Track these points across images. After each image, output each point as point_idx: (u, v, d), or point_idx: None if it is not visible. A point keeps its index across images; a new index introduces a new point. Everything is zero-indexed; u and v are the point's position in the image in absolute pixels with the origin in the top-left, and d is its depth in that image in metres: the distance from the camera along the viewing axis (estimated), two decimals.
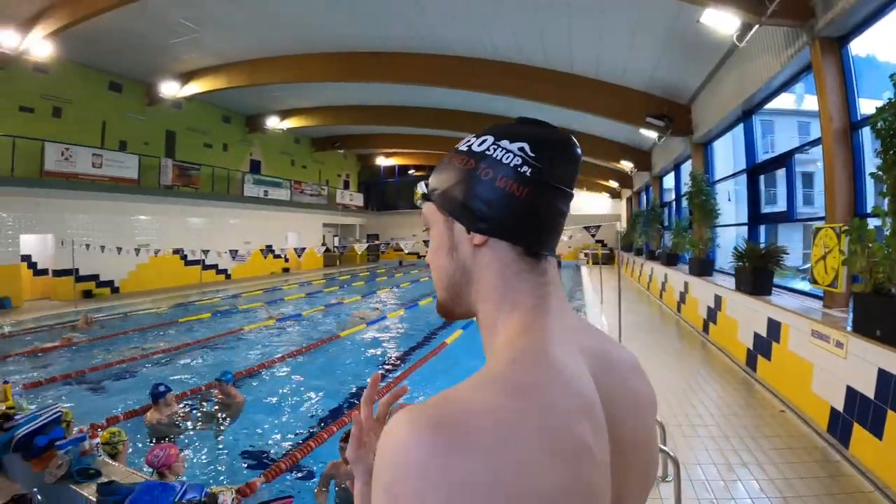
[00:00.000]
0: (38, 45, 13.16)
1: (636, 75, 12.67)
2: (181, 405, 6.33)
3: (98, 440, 3.99)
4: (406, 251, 17.12)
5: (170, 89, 17.68)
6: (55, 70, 15.95)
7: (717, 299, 9.07)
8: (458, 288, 0.82)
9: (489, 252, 0.78)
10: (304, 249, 17.37)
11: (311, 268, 27.97)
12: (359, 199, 33.74)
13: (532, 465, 0.58)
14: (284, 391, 7.51)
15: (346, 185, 34.44)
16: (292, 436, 6.02)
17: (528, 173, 0.75)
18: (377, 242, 23.51)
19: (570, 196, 0.79)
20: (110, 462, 3.93)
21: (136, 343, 10.31)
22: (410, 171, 37.25)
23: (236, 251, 16.73)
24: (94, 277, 16.79)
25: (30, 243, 15.84)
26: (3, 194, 14.21)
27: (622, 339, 8.01)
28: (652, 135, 14.20)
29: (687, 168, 14.27)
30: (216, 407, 6.43)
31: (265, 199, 24.16)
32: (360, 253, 29.56)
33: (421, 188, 0.86)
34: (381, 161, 35.03)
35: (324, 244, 23.41)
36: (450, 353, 9.12)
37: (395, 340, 10.95)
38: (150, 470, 4.04)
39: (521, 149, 0.76)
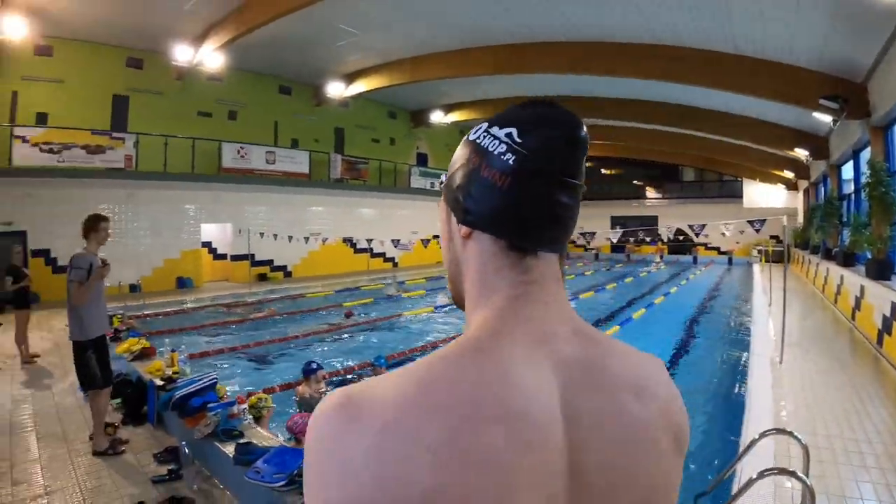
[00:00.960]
0: (210, 58, 15.41)
1: (804, 53, 11.34)
2: (328, 383, 6.54)
3: (245, 405, 4.56)
4: (575, 243, 16.85)
5: (336, 90, 19.40)
6: (229, 78, 18.35)
7: (894, 307, 7.74)
8: (455, 279, 0.80)
9: (474, 245, 0.74)
10: None
11: None
12: None
13: (409, 460, 0.56)
14: None
15: None
16: None
17: (510, 161, 0.69)
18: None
19: (570, 184, 0.70)
20: (254, 426, 4.40)
21: (302, 323, 11.18)
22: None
23: (398, 240, 17.42)
24: (269, 262, 18.77)
25: (210, 231, 18.30)
26: (186, 188, 16.67)
27: (783, 347, 7.63)
28: (826, 118, 12.64)
29: (866, 156, 12.43)
30: None
31: (431, 190, 24.78)
32: None
33: (443, 177, 0.81)
34: None
35: None
36: None
37: None
38: (290, 436, 4.40)
39: (508, 135, 0.71)
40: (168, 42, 15.15)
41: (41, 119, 14.97)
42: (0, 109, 14.46)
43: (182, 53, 15.47)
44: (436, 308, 12.92)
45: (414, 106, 24.52)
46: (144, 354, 7.13)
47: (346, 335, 10.13)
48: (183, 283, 16.38)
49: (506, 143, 0.70)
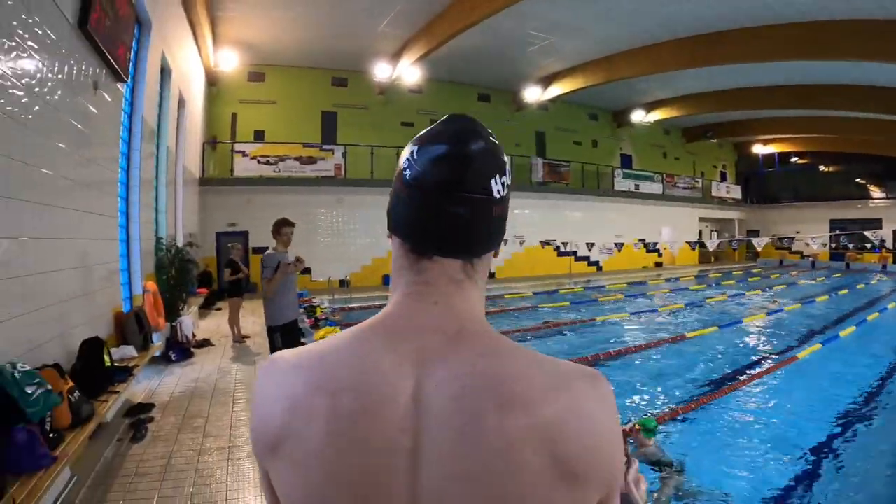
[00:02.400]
0: (408, 72, 16.91)
1: None
2: None
3: None
4: (790, 249, 15.33)
5: (533, 94, 19.88)
6: (428, 90, 19.86)
7: None
8: None
9: (392, 246, 0.83)
10: (679, 244, 16.91)
11: (685, 263, 26.53)
12: (736, 192, 30.23)
13: (276, 402, 0.72)
14: (622, 382, 7.34)
15: (723, 177, 31.42)
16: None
17: (407, 175, 0.77)
18: (745, 239, 22.36)
19: (454, 195, 0.74)
20: None
21: (496, 323, 11.07)
22: (793, 159, 32.27)
23: (592, 243, 17.16)
24: None
25: None
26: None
27: None
28: None
29: None
30: None
31: (636, 192, 24.07)
32: (735, 250, 28.21)
33: None
34: (759, 149, 30.90)
35: (699, 240, 23.08)
36: (801, 370, 7.89)
37: (744, 346, 9.86)
38: None
39: (412, 151, 0.78)
40: (368, 61, 16.91)
41: (259, 136, 17.67)
42: (223, 129, 17.43)
43: (381, 71, 17.18)
44: (632, 314, 12.58)
45: (615, 106, 23.91)
46: None
47: (537, 337, 10.26)
48: (388, 280, 17.67)
49: (409, 160, 0.78)
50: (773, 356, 8.81)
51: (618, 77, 17.09)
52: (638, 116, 23.37)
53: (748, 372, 7.81)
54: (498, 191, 0.76)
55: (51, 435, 3.35)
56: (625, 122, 24.37)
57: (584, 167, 22.89)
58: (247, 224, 16.30)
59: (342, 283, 15.87)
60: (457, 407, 0.67)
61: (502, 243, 0.84)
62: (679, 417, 6.07)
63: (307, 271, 16.99)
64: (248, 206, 16.14)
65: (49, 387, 3.53)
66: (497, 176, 0.76)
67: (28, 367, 3.48)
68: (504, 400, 0.67)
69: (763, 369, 7.86)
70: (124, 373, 5.08)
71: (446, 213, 0.74)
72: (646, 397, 6.99)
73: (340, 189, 17.52)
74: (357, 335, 0.75)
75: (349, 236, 17.89)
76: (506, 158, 0.80)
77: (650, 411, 6.34)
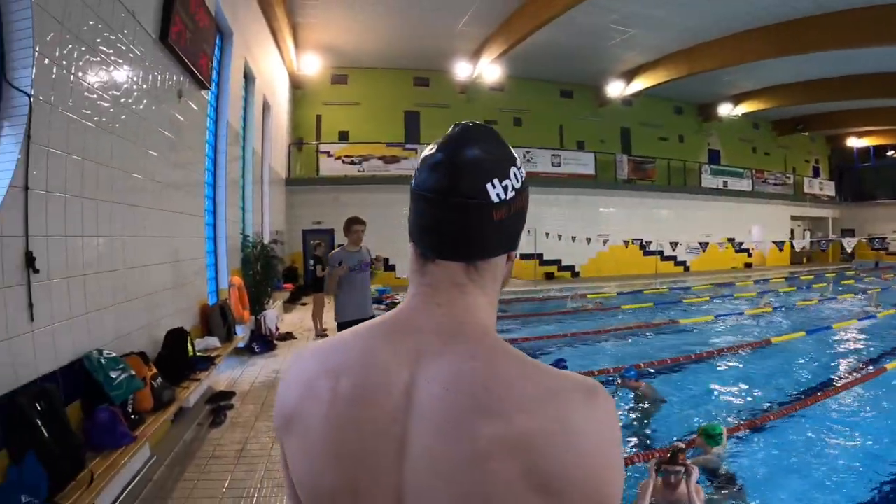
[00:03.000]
0: (488, 70, 16.94)
1: None
2: None
3: None
4: (887, 250, 14.25)
5: (615, 89, 19.44)
6: (510, 87, 19.62)
7: None
8: None
9: (410, 250, 0.84)
10: (767, 244, 16.19)
11: (776, 264, 24.96)
12: (830, 188, 27.92)
13: (291, 388, 0.80)
14: (700, 387, 7.16)
15: (816, 173, 28.91)
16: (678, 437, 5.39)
17: (413, 183, 0.81)
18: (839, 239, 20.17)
19: (437, 200, 0.77)
20: None
21: (577, 322, 11.34)
22: (890, 153, 29.39)
23: (676, 243, 17.06)
24: (557, 262, 19.26)
25: None
26: None
27: None
28: None
29: None
30: (613, 393, 6.33)
31: (724, 189, 22.92)
32: (824, 251, 26.03)
33: None
34: (853, 142, 28.42)
35: (791, 239, 21.74)
36: (892, 383, 7.11)
37: (831, 354, 9.08)
38: None
39: (419, 161, 0.82)
40: (449, 60, 17.10)
41: (343, 136, 18.26)
42: (308, 130, 18.15)
43: (462, 70, 17.38)
44: (716, 317, 12.03)
45: (701, 99, 22.78)
46: None
47: (618, 338, 10.05)
48: None
49: (416, 169, 0.82)
50: (863, 366, 8.08)
51: (701, 69, 16.36)
52: (725, 110, 22.19)
53: (833, 383, 7.23)
54: (498, 194, 0.76)
55: (132, 416, 3.65)
56: (712, 116, 23.16)
57: (671, 164, 21.97)
58: (332, 222, 16.86)
59: None
60: (440, 406, 0.69)
61: (516, 248, 0.86)
62: (753, 428, 5.69)
63: (391, 268, 17.45)
64: (335, 203, 16.73)
65: (132, 372, 3.85)
66: (495, 180, 0.76)
67: (114, 354, 3.82)
68: (484, 405, 0.68)
69: (850, 380, 7.25)
70: (206, 362, 5.42)
71: (443, 218, 0.77)
72: (721, 404, 6.63)
73: None
74: (367, 330, 0.80)
75: None
76: (515, 163, 0.81)
77: (725, 417, 6.03)
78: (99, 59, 3.86)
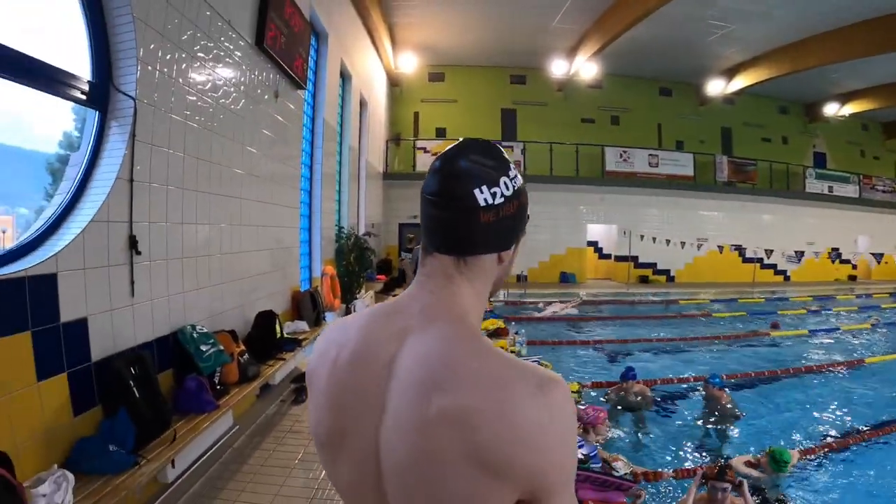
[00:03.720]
0: (585, 68, 16.58)
1: None
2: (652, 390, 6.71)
3: None
4: None
5: (716, 87, 18.60)
6: (608, 85, 19.14)
7: None
8: None
9: None
10: (880, 255, 16.02)
11: (884, 278, 22.46)
12: None
13: (309, 363, 0.98)
14: (780, 405, 6.81)
15: None
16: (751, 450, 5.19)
17: (423, 186, 0.92)
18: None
19: (434, 201, 0.89)
20: None
21: (666, 328, 11.19)
22: None
23: (771, 250, 16.35)
24: (652, 265, 18.64)
25: (597, 231, 19.04)
26: (571, 191, 17.79)
27: None
28: None
29: None
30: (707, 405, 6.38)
31: (828, 195, 21.05)
32: None
33: None
34: None
35: None
36: None
37: None
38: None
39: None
40: (545, 58, 16.90)
41: (440, 133, 18.59)
42: (406, 127, 18.65)
43: (558, 67, 17.12)
44: (811, 331, 11.19)
45: (806, 98, 20.97)
46: (498, 333, 8.19)
47: (705, 348, 9.68)
48: (566, 278, 17.63)
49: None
50: None
51: (806, 66, 15.15)
52: (831, 109, 20.24)
53: None
54: (485, 199, 0.87)
55: (218, 387, 4.04)
56: (817, 117, 21.20)
57: (773, 166, 20.36)
58: None
59: (519, 277, 16.14)
60: (409, 377, 0.81)
61: (510, 249, 0.96)
62: (824, 454, 5.30)
63: None
64: None
65: (221, 347, 4.26)
66: (484, 187, 0.87)
67: (206, 330, 4.24)
68: (439, 380, 0.79)
69: None
70: (293, 344, 5.81)
71: (439, 217, 0.89)
72: (798, 426, 6.18)
73: None
74: (374, 310, 0.94)
75: (528, 232, 17.99)
76: (507, 174, 0.91)
77: (797, 440, 5.65)
78: (198, 64, 4.28)
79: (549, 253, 17.87)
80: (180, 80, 4.02)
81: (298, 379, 6.17)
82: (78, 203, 3.19)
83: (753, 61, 16.72)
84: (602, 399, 6.53)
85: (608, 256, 19.57)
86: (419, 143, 17.85)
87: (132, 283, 3.46)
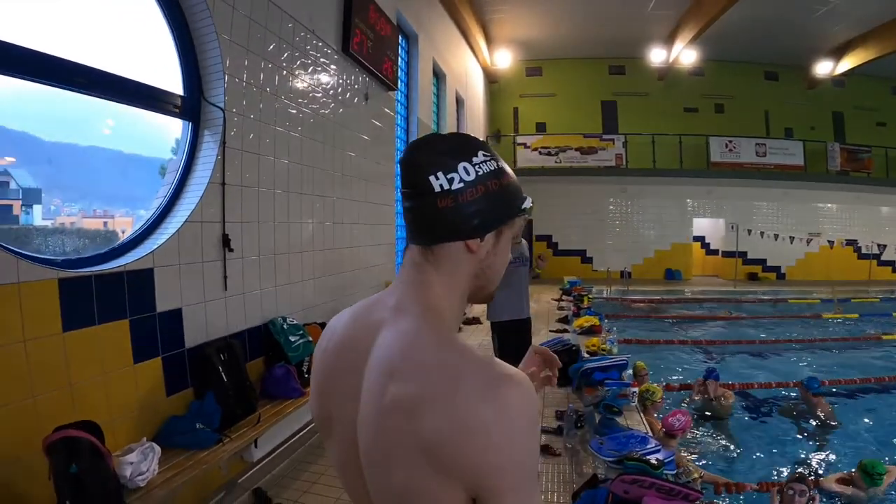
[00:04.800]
0: (684, 54, 15.84)
1: None
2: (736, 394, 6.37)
3: (636, 390, 4.85)
4: None
5: (824, 68, 17.19)
6: (710, 71, 18.07)
7: None
8: None
9: None
10: None
11: None
12: None
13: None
14: (885, 417, 6.13)
15: None
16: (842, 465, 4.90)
17: None
18: None
19: (407, 193, 0.91)
20: (637, 409, 4.65)
21: (773, 328, 10.60)
22: None
23: (884, 245, 14.69)
24: (762, 262, 17.56)
25: (703, 226, 18.31)
26: (675, 183, 17.11)
27: None
28: None
29: None
30: (795, 409, 6.10)
31: None
32: None
33: None
34: None
35: None
36: None
37: None
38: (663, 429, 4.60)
39: None
40: (643, 46, 16.26)
41: (540, 128, 18.38)
42: (506, 123, 18.60)
43: (657, 55, 16.44)
44: None
45: None
46: (591, 331, 8.12)
47: (807, 351, 8.92)
48: (671, 275, 16.99)
49: None
50: None
51: None
52: None
53: None
54: (441, 185, 0.86)
55: (305, 376, 4.29)
56: None
57: (889, 153, 18.00)
58: (531, 212, 17.22)
59: (623, 274, 15.61)
60: (375, 365, 0.84)
61: (479, 239, 0.91)
62: None
63: (588, 260, 17.28)
64: (533, 195, 16.97)
65: (310, 339, 4.52)
66: (439, 173, 0.87)
67: (296, 322, 4.53)
68: (395, 369, 0.81)
69: None
70: None
71: (406, 208, 0.92)
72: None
73: (622, 179, 17.19)
74: (365, 301, 0.99)
75: (631, 227, 17.53)
76: (469, 160, 0.89)
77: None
78: (284, 73, 4.57)
79: (653, 249, 17.26)
80: (267, 90, 4.32)
81: None
82: (175, 205, 3.55)
83: (863, 38, 15.12)
84: (683, 403, 6.22)
85: (715, 252, 18.52)
86: (519, 139, 17.72)
87: (225, 277, 3.78)
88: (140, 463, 2.44)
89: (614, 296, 13.50)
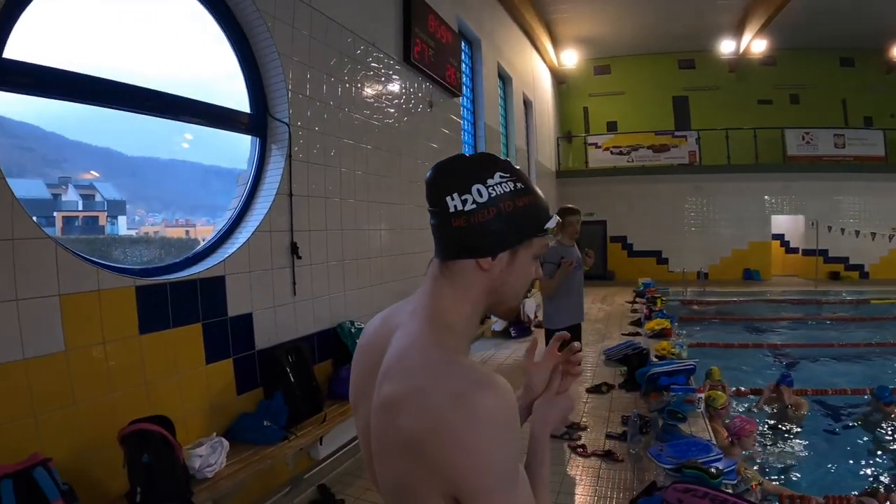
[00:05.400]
0: (754, 44, 15.20)
1: None
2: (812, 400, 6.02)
3: (702, 396, 4.80)
4: None
5: None
6: (782, 60, 17.15)
7: None
8: None
9: None
10: None
11: None
12: None
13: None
14: None
15: None
16: None
17: None
18: None
19: (430, 211, 0.97)
20: (702, 415, 4.59)
21: (850, 331, 9.86)
22: None
23: None
24: (843, 260, 16.47)
25: (782, 223, 17.33)
26: (751, 179, 16.15)
27: None
28: None
29: None
30: (867, 417, 5.70)
31: None
32: None
33: None
34: None
35: None
36: None
37: None
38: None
39: None
40: (711, 38, 15.68)
41: (611, 126, 18.06)
42: (577, 123, 18.39)
43: (726, 46, 15.83)
44: None
45: None
46: (662, 334, 7.89)
47: (890, 354, 8.16)
48: (749, 275, 16.15)
49: None
50: None
51: None
52: None
53: None
54: (455, 206, 0.92)
55: None
56: None
57: None
58: (604, 213, 16.88)
59: (699, 275, 14.95)
60: (382, 365, 0.92)
61: (490, 258, 0.94)
62: None
63: (664, 262, 16.68)
64: (606, 195, 16.69)
65: None
66: (455, 194, 0.92)
67: (363, 325, 4.67)
68: (390, 370, 0.89)
69: None
70: None
71: (430, 224, 0.98)
72: None
73: (696, 177, 16.51)
74: (394, 305, 1.07)
75: (707, 226, 16.77)
76: (484, 182, 0.92)
77: None
78: (347, 85, 4.75)
79: (730, 248, 16.37)
80: (331, 103, 4.51)
81: None
82: (245, 216, 3.77)
83: None
84: (753, 409, 5.86)
85: (795, 251, 17.35)
86: (590, 140, 17.46)
87: (293, 283, 3.97)
88: (209, 456, 2.63)
89: (690, 297, 12.96)
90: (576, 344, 1.16)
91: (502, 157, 0.97)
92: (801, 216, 16.27)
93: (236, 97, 3.80)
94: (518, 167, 0.98)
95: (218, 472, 2.67)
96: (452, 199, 0.92)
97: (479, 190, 0.92)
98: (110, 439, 2.40)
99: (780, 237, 17.51)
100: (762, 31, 14.06)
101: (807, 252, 16.14)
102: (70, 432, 2.40)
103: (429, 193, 0.95)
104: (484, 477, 0.79)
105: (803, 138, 16.16)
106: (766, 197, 16.33)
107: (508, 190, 0.93)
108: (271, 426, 3.10)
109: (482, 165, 0.94)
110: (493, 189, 0.92)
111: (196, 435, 2.88)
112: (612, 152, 17.07)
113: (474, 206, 0.91)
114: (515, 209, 0.93)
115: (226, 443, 2.78)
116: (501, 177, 0.93)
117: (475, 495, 0.79)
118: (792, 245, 17.60)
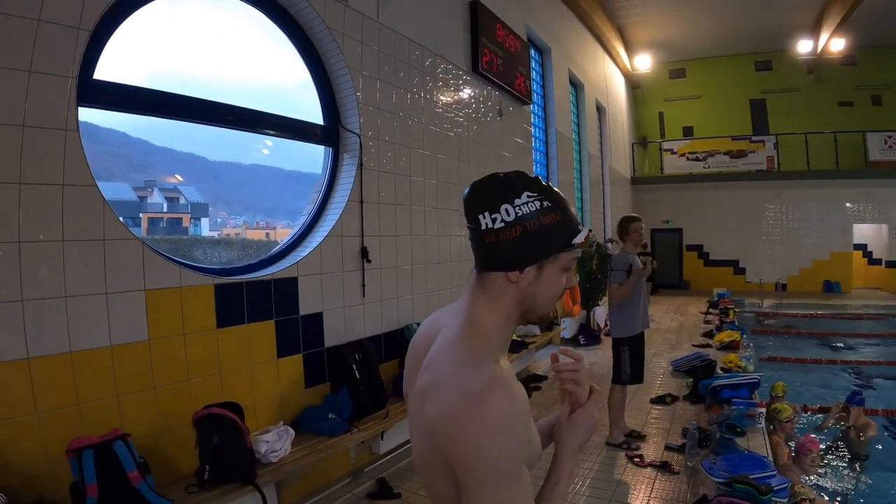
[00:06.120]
0: (832, 43, 14.51)
1: None
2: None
3: (763, 411, 4.65)
4: None
5: None
6: (863, 59, 16.18)
7: None
8: None
9: None
10: None
11: None
12: None
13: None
14: None
15: None
16: None
17: None
18: None
19: (468, 226, 1.05)
20: (762, 431, 4.55)
21: None
22: None
23: None
24: None
25: (865, 232, 16.38)
26: (831, 186, 15.38)
27: None
28: None
29: None
30: None
31: None
32: None
33: None
34: None
35: None
36: None
37: None
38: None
39: None
40: (788, 38, 15.00)
41: (687, 132, 17.53)
42: (652, 128, 17.98)
43: (803, 46, 15.11)
44: None
45: None
46: (731, 346, 7.66)
47: None
48: (829, 287, 15.30)
49: None
50: None
51: None
52: None
53: None
54: (486, 224, 1.00)
55: None
56: None
57: None
58: (680, 221, 16.38)
59: (777, 286, 14.20)
60: (426, 360, 1.04)
61: (518, 271, 1.02)
62: None
63: (741, 272, 15.97)
64: (682, 202, 16.26)
65: None
66: (486, 213, 1.00)
67: None
68: (428, 364, 1.02)
69: None
70: (519, 346, 6.14)
71: (470, 238, 1.07)
72: None
73: (774, 183, 15.75)
74: (442, 308, 1.19)
75: (786, 235, 15.99)
76: (512, 202, 1.00)
77: None
78: (416, 97, 4.94)
79: (810, 259, 15.54)
80: (400, 114, 4.70)
81: (527, 380, 6.47)
82: (318, 222, 4.01)
83: None
84: (821, 429, 5.50)
85: (878, 262, 16.34)
86: (665, 145, 17.01)
87: (363, 286, 4.17)
88: (275, 442, 2.84)
89: (766, 310, 12.36)
90: (553, 353, 1.17)
91: (533, 176, 1.04)
92: (885, 225, 15.33)
93: (307, 107, 4.07)
94: (548, 184, 1.04)
95: (282, 457, 2.88)
96: (484, 217, 1.00)
97: (507, 209, 0.99)
98: (185, 421, 2.66)
99: (862, 247, 16.46)
100: (840, 28, 13.32)
101: (890, 263, 15.27)
102: (148, 413, 2.67)
103: (466, 210, 1.03)
104: (480, 469, 0.87)
105: (886, 142, 15.14)
106: (847, 204, 15.44)
107: (535, 209, 1.00)
108: (335, 419, 3.29)
109: (512, 185, 1.01)
110: (520, 209, 0.99)
111: (264, 422, 3.12)
112: (688, 158, 16.58)
113: (503, 224, 0.99)
114: (541, 226, 1.00)
115: (291, 431, 2.98)
116: (528, 196, 1.00)
117: (471, 483, 0.88)
118: (875, 256, 16.51)
